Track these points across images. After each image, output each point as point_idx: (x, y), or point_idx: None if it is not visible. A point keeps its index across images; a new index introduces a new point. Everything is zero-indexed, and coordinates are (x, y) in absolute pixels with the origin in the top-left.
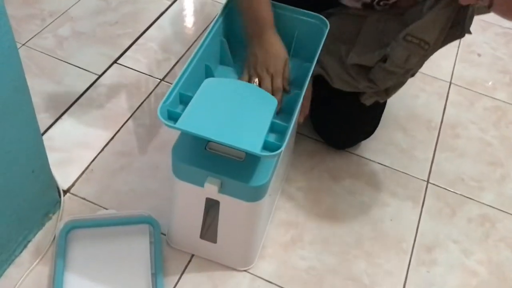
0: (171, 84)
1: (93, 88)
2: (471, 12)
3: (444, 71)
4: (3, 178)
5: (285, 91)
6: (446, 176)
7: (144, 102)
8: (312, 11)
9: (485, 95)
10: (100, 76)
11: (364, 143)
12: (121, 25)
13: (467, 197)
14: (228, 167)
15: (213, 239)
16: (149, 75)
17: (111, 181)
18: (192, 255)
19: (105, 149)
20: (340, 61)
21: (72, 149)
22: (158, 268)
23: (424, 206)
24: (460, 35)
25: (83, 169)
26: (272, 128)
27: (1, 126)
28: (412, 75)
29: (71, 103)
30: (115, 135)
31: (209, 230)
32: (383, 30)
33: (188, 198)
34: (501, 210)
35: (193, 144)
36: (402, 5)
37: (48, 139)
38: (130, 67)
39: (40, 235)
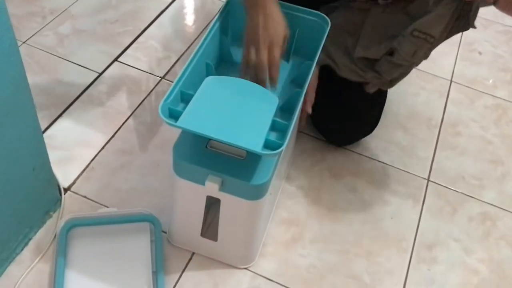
0: (172, 82)
1: (93, 86)
2: (475, 6)
3: (444, 69)
4: (4, 176)
5: (272, 80)
6: (447, 174)
7: (145, 100)
8: (316, 5)
9: (486, 93)
10: (100, 74)
11: (365, 141)
12: (122, 23)
13: (468, 195)
14: (229, 165)
15: (214, 237)
16: (149, 73)
17: (111, 179)
18: (193, 253)
19: (105, 147)
20: (346, 51)
21: (73, 147)
22: (158, 266)
23: (424, 204)
24: (465, 28)
25: (83, 167)
26: (273, 127)
27: (2, 124)
28: (416, 65)
29: (71, 101)
30: (115, 133)
31: (209, 228)
32: (387, 22)
33: (189, 196)
34: (502, 208)
35: (194, 142)
36: None
37: (48, 137)
38: (131, 65)
39: (40, 233)
